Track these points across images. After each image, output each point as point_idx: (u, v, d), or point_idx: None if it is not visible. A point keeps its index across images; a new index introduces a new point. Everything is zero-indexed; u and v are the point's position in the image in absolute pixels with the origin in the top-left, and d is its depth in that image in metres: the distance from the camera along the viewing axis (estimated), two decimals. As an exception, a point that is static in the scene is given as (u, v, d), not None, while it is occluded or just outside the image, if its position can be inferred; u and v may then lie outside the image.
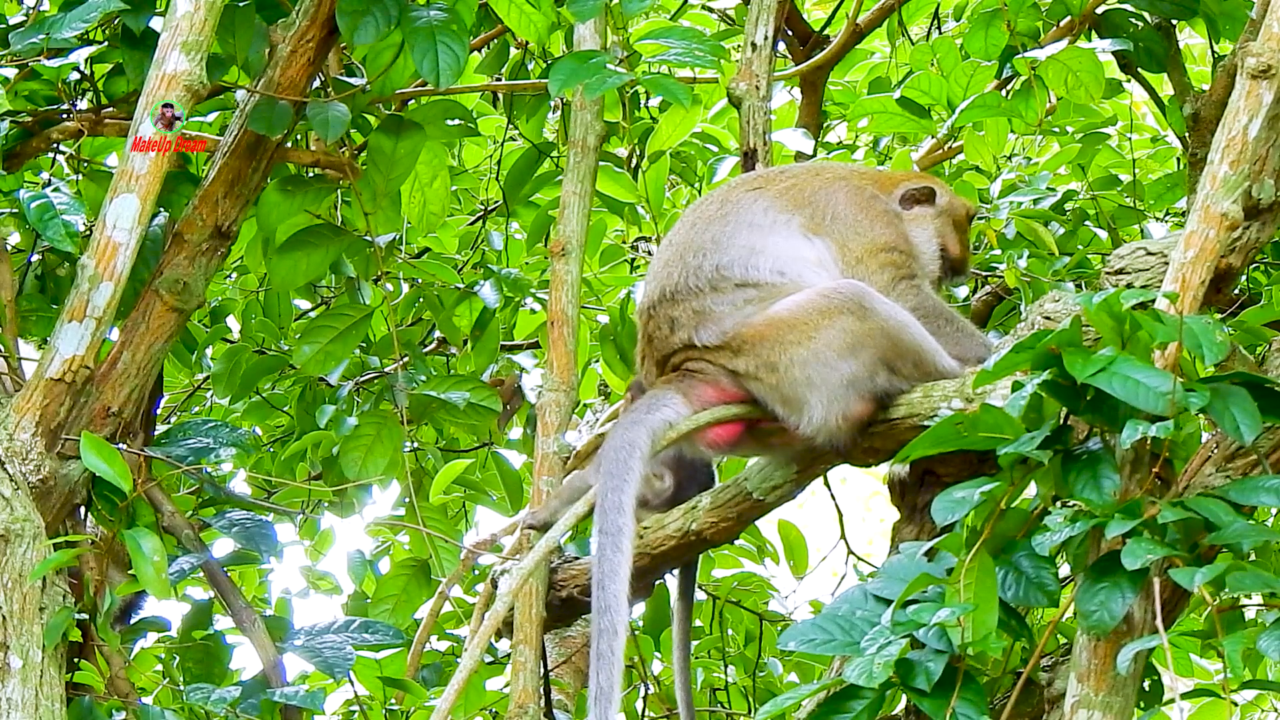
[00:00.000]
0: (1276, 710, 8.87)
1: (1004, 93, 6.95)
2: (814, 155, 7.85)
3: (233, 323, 7.96)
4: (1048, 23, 6.80)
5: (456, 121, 6.77)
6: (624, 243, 7.88)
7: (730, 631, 7.86)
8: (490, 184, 8.37)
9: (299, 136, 6.51)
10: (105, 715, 5.71)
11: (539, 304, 7.59)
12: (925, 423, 5.13)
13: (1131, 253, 5.33)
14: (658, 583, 6.74)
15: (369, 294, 7.10)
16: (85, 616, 5.62)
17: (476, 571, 7.05)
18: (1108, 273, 5.34)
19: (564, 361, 6.09)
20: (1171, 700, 4.29)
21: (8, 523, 5.39)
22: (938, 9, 8.78)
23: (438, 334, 8.08)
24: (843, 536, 7.95)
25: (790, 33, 8.42)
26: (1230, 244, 5.11)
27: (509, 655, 5.84)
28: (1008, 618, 4.52)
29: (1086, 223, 7.48)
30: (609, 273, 7.95)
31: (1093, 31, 6.73)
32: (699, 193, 7.63)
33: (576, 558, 5.96)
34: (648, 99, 8.02)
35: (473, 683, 6.70)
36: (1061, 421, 4.53)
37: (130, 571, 5.52)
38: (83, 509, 5.90)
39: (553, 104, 7.60)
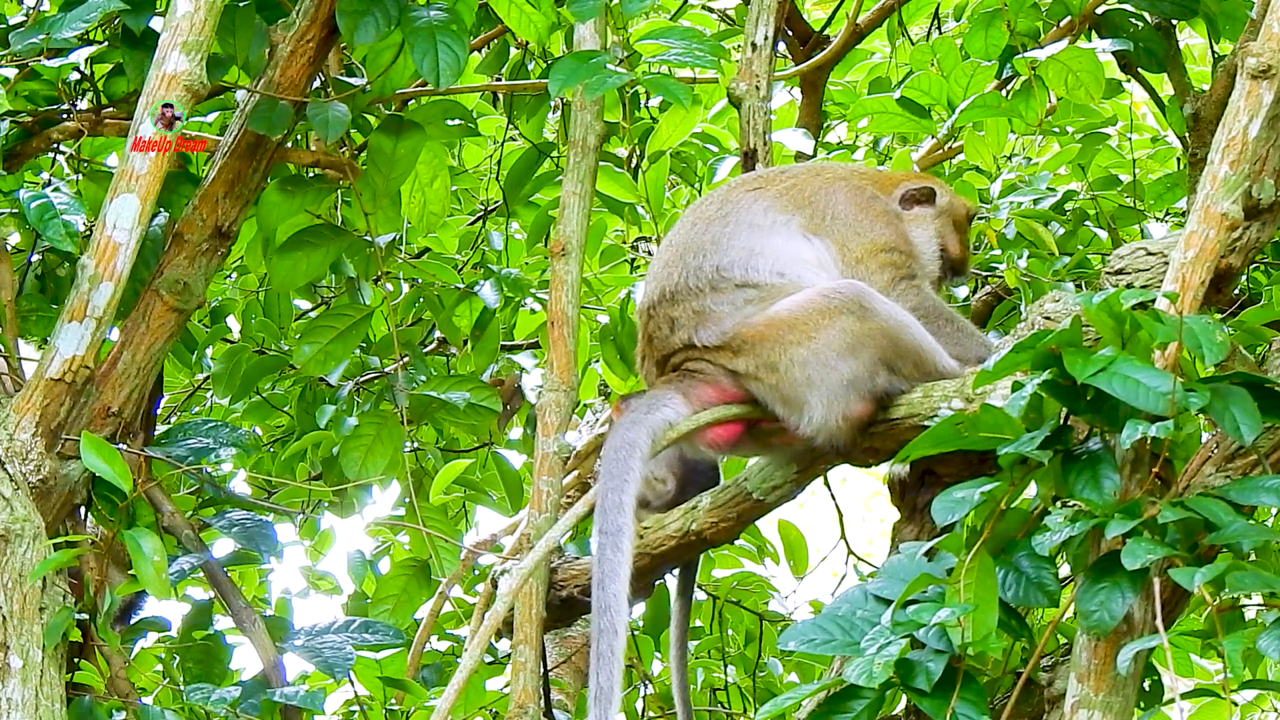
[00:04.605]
0: (1276, 710, 8.87)
1: (1004, 93, 6.95)
2: (814, 155, 7.85)
3: (233, 323, 7.95)
4: (1048, 23, 6.79)
5: (456, 121, 6.76)
6: (624, 243, 7.87)
7: (730, 631, 7.86)
8: (490, 184, 8.36)
9: (299, 136, 6.50)
10: (105, 715, 5.70)
11: (539, 304, 7.59)
12: (925, 423, 5.13)
13: (1131, 253, 5.33)
14: (658, 583, 6.74)
15: (369, 294, 7.09)
16: (85, 616, 5.61)
17: (476, 571, 7.05)
18: (1108, 273, 5.35)
19: (564, 361, 6.09)
20: (1171, 700, 4.29)
21: (8, 523, 5.39)
22: (938, 9, 8.77)
23: (438, 334, 8.07)
24: (843, 536, 7.95)
25: (790, 33, 8.41)
26: (1230, 244, 5.11)
27: (509, 655, 5.83)
28: (1008, 618, 4.52)
29: (1086, 223, 7.48)
30: (609, 273, 7.94)
31: (1093, 31, 6.72)
32: (699, 193, 7.62)
33: (576, 558, 5.96)
34: (648, 99, 8.01)
35: (473, 683, 6.70)
36: (1061, 421, 4.53)
37: (130, 571, 5.51)
38: (83, 509, 5.89)
39: (553, 104, 7.60)
